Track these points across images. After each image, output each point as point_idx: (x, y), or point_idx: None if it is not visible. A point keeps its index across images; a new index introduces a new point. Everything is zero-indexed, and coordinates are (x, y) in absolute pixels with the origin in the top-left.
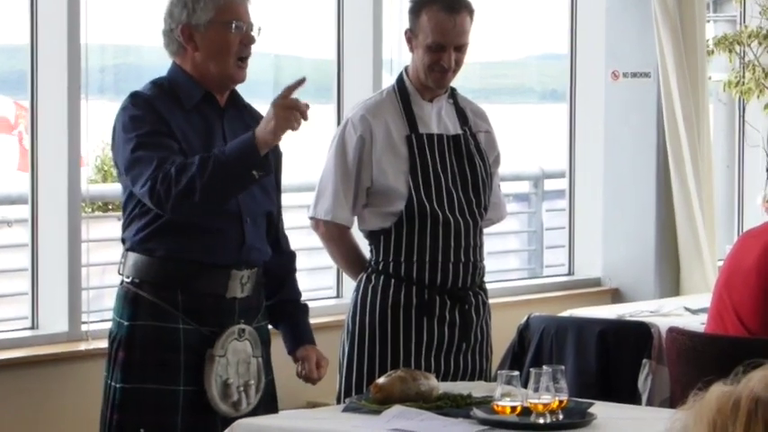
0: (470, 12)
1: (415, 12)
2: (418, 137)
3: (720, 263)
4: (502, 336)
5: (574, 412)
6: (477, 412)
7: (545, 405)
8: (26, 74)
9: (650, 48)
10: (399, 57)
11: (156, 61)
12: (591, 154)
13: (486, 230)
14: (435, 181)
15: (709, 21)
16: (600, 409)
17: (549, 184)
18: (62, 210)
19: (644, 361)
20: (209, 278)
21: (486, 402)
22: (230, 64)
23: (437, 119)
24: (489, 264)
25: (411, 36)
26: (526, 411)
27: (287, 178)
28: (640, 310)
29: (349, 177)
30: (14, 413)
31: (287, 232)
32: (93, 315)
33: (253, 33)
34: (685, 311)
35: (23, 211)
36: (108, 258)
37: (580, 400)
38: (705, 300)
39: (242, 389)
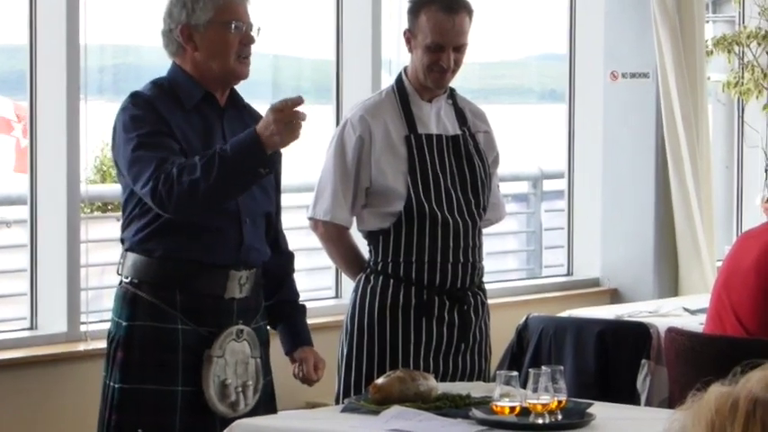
0: (469, 12)
1: (413, 12)
2: (417, 137)
3: (719, 263)
4: (501, 336)
5: (572, 413)
6: (476, 413)
7: (544, 405)
8: (25, 74)
9: (649, 48)
10: (398, 57)
11: (156, 61)
12: (590, 154)
13: (484, 231)
14: (434, 181)
15: (708, 21)
16: (599, 409)
17: (548, 185)
18: (61, 210)
19: (643, 361)
20: (207, 278)
21: (484, 403)
22: (231, 61)
23: (436, 119)
24: (488, 264)
25: (410, 36)
26: (525, 412)
27: (286, 178)
28: (639, 311)
29: (348, 178)
30: (13, 413)
31: (286, 232)
32: (92, 315)
33: (252, 33)
34: (684, 312)
35: (22, 211)
36: (107, 259)
37: (579, 400)
38: (704, 300)
39: (240, 389)
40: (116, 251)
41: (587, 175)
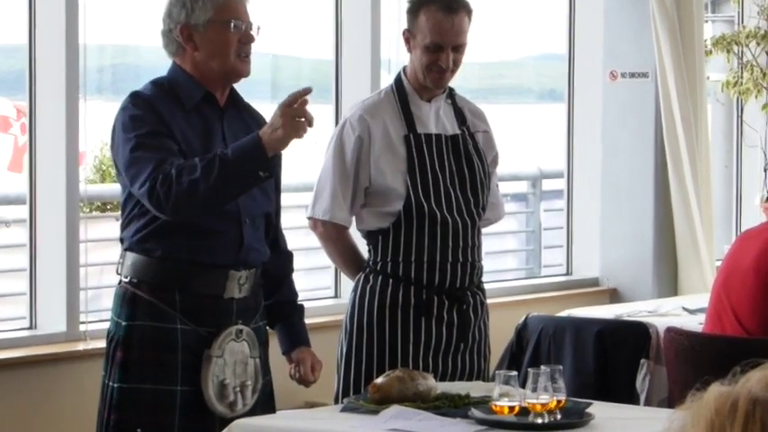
0: (468, 12)
1: (413, 12)
2: (416, 137)
3: (718, 263)
4: (500, 336)
5: (572, 412)
6: (475, 412)
7: (543, 405)
8: (24, 74)
9: (648, 48)
10: (397, 57)
11: (155, 61)
12: (589, 154)
13: (484, 230)
14: (433, 181)
15: (707, 21)
16: (598, 409)
17: (548, 184)
18: (60, 210)
19: (642, 361)
20: (207, 279)
21: (484, 402)
22: (232, 59)
23: (435, 119)
24: (487, 264)
25: (409, 36)
26: (524, 411)
27: (285, 178)
28: (638, 310)
29: (347, 177)
30: (13, 413)
31: (285, 232)
32: (92, 315)
33: (252, 32)
34: (683, 311)
35: (21, 211)
36: (106, 258)
37: (578, 400)
38: (703, 300)
39: (238, 389)
40: (115, 251)
41: (586, 174)
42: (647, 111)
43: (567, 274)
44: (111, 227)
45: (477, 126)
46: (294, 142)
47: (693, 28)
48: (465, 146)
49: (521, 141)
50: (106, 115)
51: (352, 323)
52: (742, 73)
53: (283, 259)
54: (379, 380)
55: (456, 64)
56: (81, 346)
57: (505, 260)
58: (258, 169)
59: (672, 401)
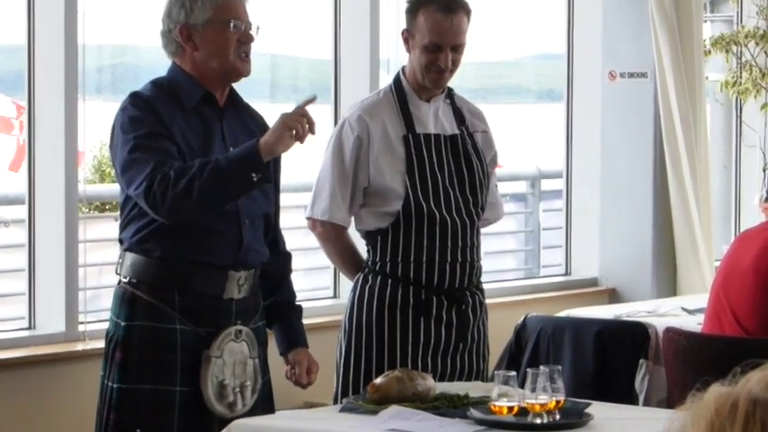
0: (467, 12)
1: (411, 12)
2: (415, 137)
3: (717, 263)
4: (499, 336)
5: (571, 412)
6: (474, 412)
7: (542, 405)
8: (23, 74)
9: (647, 48)
10: (396, 57)
11: (154, 61)
12: (588, 154)
13: (483, 230)
14: (432, 181)
15: (706, 21)
16: (597, 409)
17: (546, 184)
18: (59, 210)
19: (641, 361)
20: (206, 279)
21: (483, 402)
22: (232, 58)
23: (434, 119)
24: (486, 264)
25: (408, 36)
26: (523, 412)
27: (284, 178)
28: (637, 311)
29: (346, 178)
30: (12, 413)
31: (284, 232)
32: (90, 315)
33: (251, 32)
34: (682, 312)
35: (20, 211)
36: (105, 258)
37: (577, 400)
38: (702, 300)
39: (238, 390)
40: (114, 251)
41: (585, 174)
42: (645, 111)
43: (566, 274)
44: (109, 227)
45: (475, 126)
46: (295, 146)
47: (692, 28)
48: (464, 146)
49: (520, 141)
50: (105, 115)
51: (351, 323)
52: (741, 73)
53: (282, 260)
54: (378, 380)
55: (455, 64)
56: (80, 347)
57: (504, 260)
58: (251, 172)
59: (671, 402)
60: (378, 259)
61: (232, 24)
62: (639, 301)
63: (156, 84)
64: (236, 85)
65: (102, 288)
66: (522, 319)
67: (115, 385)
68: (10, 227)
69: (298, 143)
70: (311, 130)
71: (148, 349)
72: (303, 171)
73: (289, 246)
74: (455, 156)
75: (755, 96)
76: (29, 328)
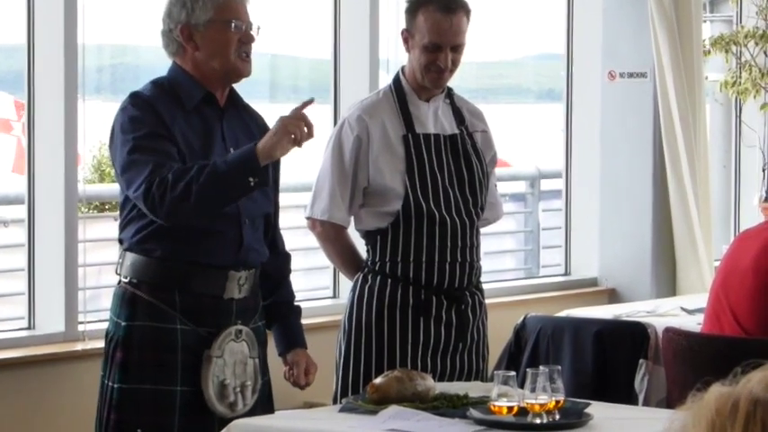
0: (467, 12)
1: (411, 12)
2: (415, 137)
3: (717, 263)
4: (498, 336)
5: (570, 412)
6: (474, 412)
7: (542, 405)
8: (23, 73)
9: (647, 48)
10: (396, 56)
11: (154, 61)
12: (587, 154)
13: (482, 230)
14: (432, 181)
15: (705, 21)
16: (596, 409)
17: (546, 184)
18: (59, 210)
19: (640, 361)
20: (206, 279)
21: (482, 402)
22: (232, 58)
23: (434, 119)
24: (486, 264)
25: (407, 36)
26: (523, 412)
27: (284, 178)
28: (637, 311)
29: (346, 177)
30: (11, 413)
31: (283, 232)
32: (90, 315)
33: (252, 32)
34: (682, 312)
35: (20, 211)
36: (104, 258)
37: (577, 400)
38: (702, 300)
39: (238, 390)
40: (113, 251)
41: (585, 174)
42: (645, 111)
43: (566, 274)
44: (109, 227)
45: (475, 126)
46: (293, 150)
47: (692, 28)
48: (463, 146)
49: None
50: (105, 115)
51: (350, 323)
52: (740, 73)
53: (281, 260)
54: (378, 380)
55: (454, 64)
56: (79, 346)
57: (504, 260)
58: (248, 175)
59: (670, 402)
60: (377, 259)
61: (233, 24)
62: (639, 301)
63: (157, 84)
64: (236, 85)
65: (101, 288)
66: (521, 319)
67: (116, 385)
68: (9, 227)
69: (296, 147)
70: (310, 134)
71: (149, 349)
72: (303, 171)
73: (288, 246)
74: (455, 156)
75: (755, 96)
76: (28, 327)
